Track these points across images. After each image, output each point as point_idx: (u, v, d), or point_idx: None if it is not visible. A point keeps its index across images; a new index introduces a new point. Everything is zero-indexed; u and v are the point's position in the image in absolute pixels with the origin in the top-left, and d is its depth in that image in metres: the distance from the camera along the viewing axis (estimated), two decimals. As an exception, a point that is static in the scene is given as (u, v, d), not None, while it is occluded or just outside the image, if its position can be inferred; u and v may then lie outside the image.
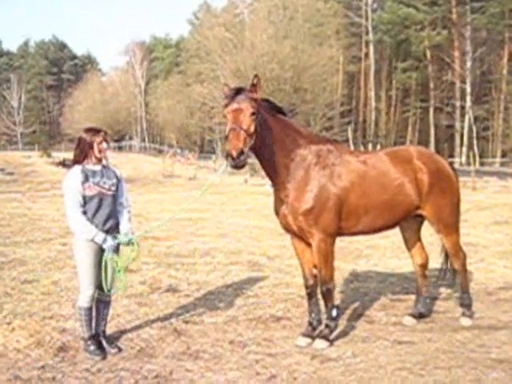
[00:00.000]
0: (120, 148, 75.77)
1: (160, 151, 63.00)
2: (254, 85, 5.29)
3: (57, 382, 4.75)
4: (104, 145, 5.29)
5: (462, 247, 6.46)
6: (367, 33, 60.13)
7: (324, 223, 5.56)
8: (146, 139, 79.84)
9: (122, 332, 5.93)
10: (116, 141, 77.98)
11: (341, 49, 48.61)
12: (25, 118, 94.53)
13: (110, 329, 5.86)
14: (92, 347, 5.29)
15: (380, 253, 10.37)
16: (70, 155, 5.45)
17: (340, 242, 10.30)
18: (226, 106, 5.27)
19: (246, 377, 4.91)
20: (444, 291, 7.63)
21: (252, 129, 5.12)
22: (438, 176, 6.07)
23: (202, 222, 13.91)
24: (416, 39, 55.20)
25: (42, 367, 5.01)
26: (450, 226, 6.24)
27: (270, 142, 5.40)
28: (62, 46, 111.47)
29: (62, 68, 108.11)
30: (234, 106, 5.18)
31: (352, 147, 33.92)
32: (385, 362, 5.20)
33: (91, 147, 5.24)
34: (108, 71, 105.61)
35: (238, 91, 5.28)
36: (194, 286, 7.79)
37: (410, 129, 61.46)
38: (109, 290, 5.26)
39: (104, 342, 5.42)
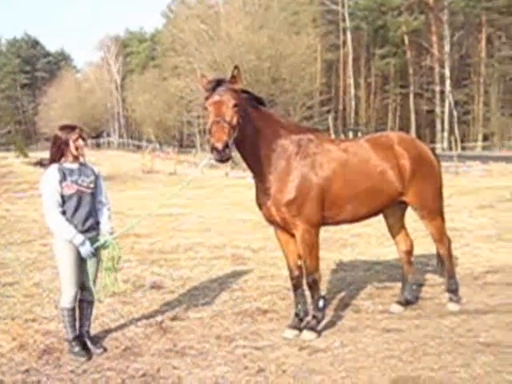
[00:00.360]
0: (98, 145, 74.76)
1: (139, 147, 62.36)
2: (234, 76, 5.19)
3: (42, 385, 4.66)
4: (80, 142, 5.17)
5: (446, 232, 6.43)
6: (344, 20, 59.99)
7: (307, 213, 5.50)
8: (125, 135, 78.99)
9: (107, 331, 5.83)
10: (94, 138, 76.96)
11: (318, 37, 48.41)
12: None
13: (94, 329, 5.76)
14: (76, 348, 5.19)
15: (365, 241, 10.36)
16: (47, 154, 5.30)
17: (324, 231, 10.26)
18: (207, 98, 5.16)
19: (234, 371, 4.85)
20: (430, 277, 7.62)
21: (235, 121, 5.03)
22: (420, 161, 6.04)
23: (183, 217, 13.80)
24: (393, 25, 55.34)
25: (27, 371, 4.90)
26: (434, 211, 6.21)
27: (250, 133, 5.31)
28: (35, 44, 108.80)
29: (35, 66, 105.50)
30: (216, 98, 5.07)
31: (333, 136, 33.87)
32: (373, 351, 5.17)
33: (67, 145, 5.12)
34: (83, 67, 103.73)
35: (219, 83, 5.17)
36: (179, 282, 7.69)
37: (390, 115, 61.71)
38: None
39: (89, 343, 5.33)
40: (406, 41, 56.33)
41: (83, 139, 5.21)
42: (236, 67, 5.27)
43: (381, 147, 5.99)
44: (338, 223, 6.13)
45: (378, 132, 7.14)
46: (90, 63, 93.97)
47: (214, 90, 5.14)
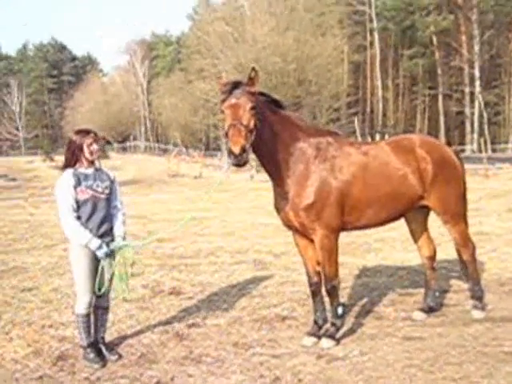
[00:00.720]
0: (124, 149, 75.25)
1: (165, 150, 62.62)
2: (251, 78, 5.11)
3: (55, 392, 4.64)
4: (94, 146, 5.14)
5: (470, 237, 6.24)
6: (371, 20, 59.45)
7: (326, 218, 5.38)
8: (151, 139, 79.28)
9: (123, 338, 5.79)
10: (120, 142, 77.51)
11: (345, 38, 47.79)
12: (26, 122, 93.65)
13: (110, 335, 5.74)
14: (91, 355, 5.16)
15: (389, 246, 10.16)
16: None
17: (348, 236, 10.17)
18: (224, 101, 5.08)
19: (250, 380, 4.77)
20: (455, 283, 7.41)
21: (252, 124, 4.94)
22: (442, 165, 5.86)
23: (207, 222, 13.75)
24: (421, 25, 54.59)
25: (40, 377, 4.90)
26: (457, 215, 6.03)
27: (268, 136, 5.22)
28: (62, 48, 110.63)
29: (62, 70, 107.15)
30: (233, 100, 4.99)
31: (359, 139, 33.51)
32: (393, 360, 5.04)
33: (81, 149, 5.10)
34: (109, 71, 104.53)
35: (236, 85, 5.09)
36: (198, 288, 7.63)
37: (419, 117, 60.96)
38: (99, 290, 5.10)
39: (104, 349, 5.29)
40: (435, 41, 55.50)
41: (97, 144, 5.18)
42: (253, 69, 5.18)
43: (402, 150, 5.84)
44: (357, 228, 5.98)
45: (405, 134, 6.99)
46: (117, 67, 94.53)
47: (230, 92, 5.06)
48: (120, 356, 5.28)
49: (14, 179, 36.31)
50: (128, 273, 5.27)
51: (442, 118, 56.50)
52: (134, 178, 27.54)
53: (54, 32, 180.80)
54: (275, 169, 5.40)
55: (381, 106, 58.51)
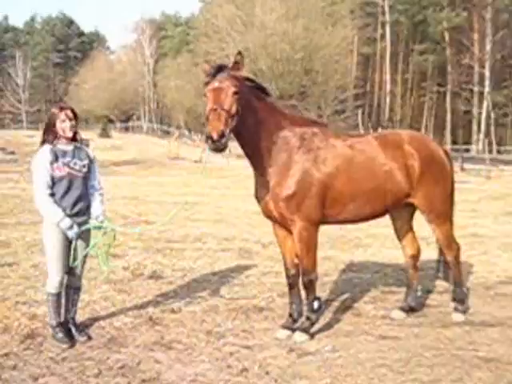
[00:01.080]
0: (127, 129, 74.45)
1: (167, 133, 62.07)
2: (237, 62, 4.99)
3: (18, 370, 4.56)
4: (67, 123, 5.00)
5: (455, 238, 6.11)
6: (383, 13, 58.80)
7: (306, 210, 5.27)
8: (154, 120, 78.56)
9: (95, 319, 5.71)
10: (123, 121, 76.83)
11: (355, 29, 47.29)
12: (30, 96, 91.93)
13: (83, 315, 5.68)
14: (60, 334, 5.09)
15: (379, 242, 10.04)
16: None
17: (338, 230, 10.07)
18: (207, 84, 4.96)
19: (217, 370, 4.69)
20: (440, 284, 7.28)
21: (234, 109, 4.81)
22: (431, 162, 5.74)
23: (199, 207, 13.65)
24: (434, 20, 54.04)
25: (6, 354, 4.82)
26: (442, 215, 5.90)
27: (251, 123, 5.09)
28: (69, 23, 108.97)
29: (68, 45, 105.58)
30: (215, 84, 4.87)
31: (362, 132, 33.27)
32: (365, 358, 4.95)
33: (54, 125, 5.00)
34: (116, 49, 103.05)
35: (220, 69, 4.97)
36: (179, 273, 7.55)
37: (425, 114, 60.53)
38: (73, 262, 5.01)
39: (73, 330, 5.22)
40: (447, 37, 54.93)
41: (70, 120, 5.04)
42: (239, 53, 5.07)
43: (390, 145, 5.72)
44: (340, 222, 5.91)
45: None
46: (124, 45, 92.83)
47: (214, 75, 4.94)
48: (89, 337, 5.20)
49: (12, 152, 36.09)
50: (106, 254, 5.17)
51: (449, 116, 56.09)
52: (134, 158, 27.45)
53: (63, 6, 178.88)
54: (257, 157, 5.29)
55: (388, 100, 58.08)
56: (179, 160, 33.87)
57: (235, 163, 27.44)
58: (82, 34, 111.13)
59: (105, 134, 60.00)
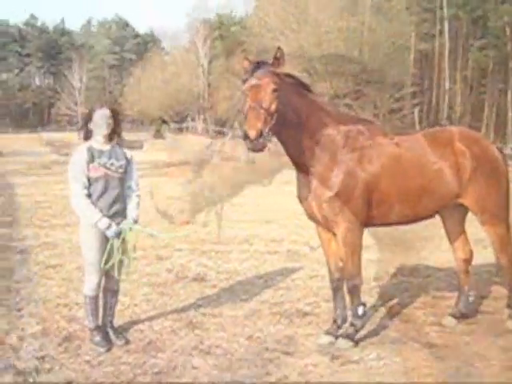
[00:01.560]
0: (180, 129, 75.00)
1: (221, 133, 62.14)
2: (277, 58, 4.82)
3: (53, 373, 4.55)
4: (104, 122, 4.95)
5: (511, 242, 5.73)
6: (441, 8, 57.13)
7: (350, 212, 5.06)
8: (208, 120, 78.75)
9: (135, 322, 5.67)
10: (176, 122, 77.38)
11: (412, 25, 46.20)
12: (86, 97, 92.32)
13: (122, 318, 5.65)
14: (97, 338, 5.05)
15: (434, 244, 9.60)
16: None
17: (390, 232, 9.71)
18: (245, 81, 4.82)
19: (255, 376, 4.54)
20: (496, 289, 6.86)
21: (273, 107, 4.65)
22: (483, 161, 5.40)
23: (247, 207, 13.49)
24: (494, 14, 52.09)
25: (42, 357, 4.80)
26: (496, 217, 5.53)
27: (292, 121, 4.91)
28: (125, 25, 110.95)
29: (123, 47, 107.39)
30: (254, 81, 4.71)
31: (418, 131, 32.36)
32: (411, 367, 4.69)
33: (90, 120, 4.98)
34: (171, 50, 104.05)
35: (259, 65, 4.82)
36: (223, 276, 7.43)
37: (486, 111, 58.45)
38: (106, 264, 4.93)
39: (111, 333, 5.18)
40: (508, 32, 52.86)
41: (111, 119, 4.99)
42: (279, 48, 4.90)
43: (439, 143, 5.42)
44: (386, 224, 5.63)
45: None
46: (178, 46, 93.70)
47: (252, 72, 4.78)
48: (127, 341, 5.15)
49: (66, 154, 36.95)
50: (130, 255, 5.09)
51: (510, 114, 53.94)
52: (186, 159, 27.64)
53: (118, 9, 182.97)
54: (299, 156, 5.10)
55: (447, 97, 56.39)
56: (233, 161, 33.81)
57: (285, 159, 27.06)
58: (137, 35, 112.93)
59: (159, 135, 60.75)
